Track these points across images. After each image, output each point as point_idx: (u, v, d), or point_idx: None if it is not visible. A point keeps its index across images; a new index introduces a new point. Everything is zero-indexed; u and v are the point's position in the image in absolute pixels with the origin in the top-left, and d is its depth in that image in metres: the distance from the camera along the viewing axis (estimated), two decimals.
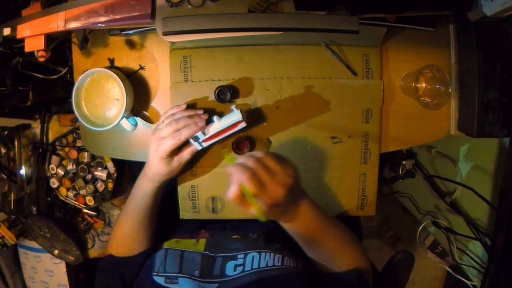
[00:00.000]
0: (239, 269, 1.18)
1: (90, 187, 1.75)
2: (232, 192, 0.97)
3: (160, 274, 1.20)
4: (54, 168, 1.76)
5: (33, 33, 1.22)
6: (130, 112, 1.35)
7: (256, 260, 1.18)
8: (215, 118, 1.21)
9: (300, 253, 1.25)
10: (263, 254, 1.20)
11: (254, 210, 0.99)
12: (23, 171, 1.74)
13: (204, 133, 1.22)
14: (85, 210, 1.88)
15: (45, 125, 1.78)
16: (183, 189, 1.40)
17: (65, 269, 2.01)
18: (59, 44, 1.38)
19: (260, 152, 1.04)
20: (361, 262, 1.26)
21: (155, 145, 1.22)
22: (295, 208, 1.12)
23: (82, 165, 1.75)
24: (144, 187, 1.30)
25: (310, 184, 1.38)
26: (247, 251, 1.21)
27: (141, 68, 1.37)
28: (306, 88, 1.32)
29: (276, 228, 1.22)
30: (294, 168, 1.05)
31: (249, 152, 1.07)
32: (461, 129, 1.34)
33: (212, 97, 1.31)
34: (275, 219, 1.12)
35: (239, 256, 1.21)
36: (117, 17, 1.18)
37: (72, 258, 1.92)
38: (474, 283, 1.60)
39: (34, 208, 1.81)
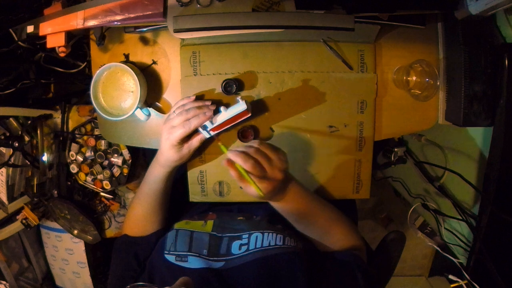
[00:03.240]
0: (244, 248, 1.19)
1: (107, 172, 1.77)
2: (233, 175, 1.08)
3: (171, 252, 1.21)
4: (73, 154, 1.77)
5: (54, 31, 1.22)
6: (144, 103, 1.36)
7: (260, 239, 1.20)
8: (222, 108, 1.23)
9: (300, 234, 1.27)
10: (266, 234, 1.21)
11: (253, 189, 1.08)
12: (45, 158, 1.75)
13: (212, 122, 1.23)
14: (102, 194, 1.90)
15: (65, 115, 1.79)
16: (192, 174, 1.42)
17: (83, 248, 2.03)
18: (78, 40, 1.39)
19: (256, 142, 1.12)
20: (353, 239, 1.28)
21: (167, 134, 1.23)
22: (284, 189, 1.18)
23: (100, 152, 1.76)
24: (157, 172, 1.31)
25: (309, 170, 1.39)
26: (251, 232, 1.23)
27: (154, 62, 1.38)
28: (305, 81, 1.33)
29: (277, 211, 1.24)
30: (284, 155, 1.14)
31: (247, 143, 1.12)
32: (448, 119, 1.35)
33: (219, 90, 1.32)
34: (269, 199, 1.19)
35: (244, 236, 1.22)
36: (132, 15, 1.19)
37: (90, 238, 1.94)
38: (460, 261, 1.61)
39: (55, 192, 1.82)
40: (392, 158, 1.80)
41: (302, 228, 1.28)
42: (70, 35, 1.27)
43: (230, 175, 1.10)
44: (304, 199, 1.24)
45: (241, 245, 1.21)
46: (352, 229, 1.31)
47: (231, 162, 1.10)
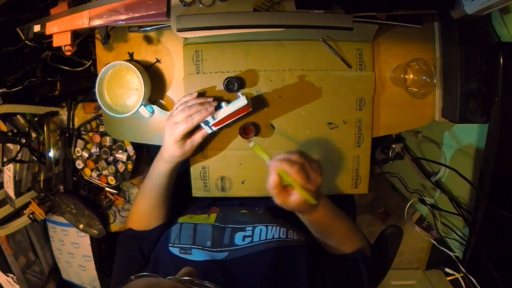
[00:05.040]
0: (248, 239, 1.20)
1: (112, 168, 1.77)
2: (272, 181, 1.02)
3: (175, 245, 1.22)
4: (79, 151, 1.78)
5: (60, 30, 1.23)
6: (148, 100, 1.36)
7: (264, 232, 1.21)
8: (223, 104, 1.23)
9: (302, 228, 1.28)
10: (269, 227, 1.22)
11: (301, 197, 1.03)
12: (51, 154, 1.76)
13: (213, 118, 1.24)
14: (107, 189, 1.90)
15: (71, 112, 1.79)
16: (195, 170, 1.42)
17: (89, 242, 2.04)
18: (84, 39, 1.39)
19: (295, 150, 1.07)
20: (361, 244, 1.29)
21: (170, 130, 1.23)
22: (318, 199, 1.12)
23: (105, 148, 1.76)
24: (160, 168, 1.31)
25: None
26: (255, 224, 1.24)
27: (158, 61, 1.38)
28: (305, 79, 1.33)
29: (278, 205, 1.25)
30: (319, 161, 1.09)
31: (286, 152, 1.08)
32: (445, 116, 1.35)
33: (221, 87, 1.32)
34: (308, 208, 1.12)
35: (247, 228, 1.23)
36: (136, 15, 1.19)
37: (96, 232, 1.95)
38: (456, 254, 1.61)
39: (62, 187, 1.82)
40: (390, 154, 1.81)
41: (322, 238, 1.28)
42: (76, 34, 1.28)
43: (267, 183, 1.03)
44: (331, 211, 1.22)
45: (244, 237, 1.22)
46: (361, 236, 1.33)
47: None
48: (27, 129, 1.65)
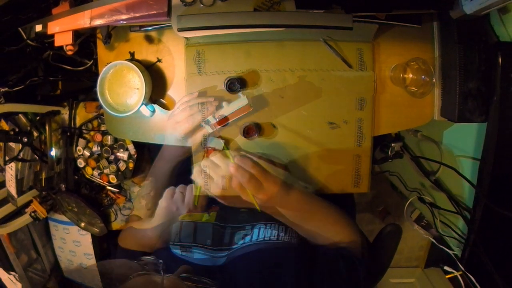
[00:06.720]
0: (247, 238, 1.21)
1: (113, 167, 1.77)
2: (233, 183, 1.11)
3: (176, 243, 1.23)
4: (81, 149, 1.78)
5: (62, 29, 1.23)
6: (149, 100, 1.36)
7: (262, 231, 1.21)
8: (224, 103, 1.24)
9: None
10: (268, 225, 1.22)
11: (252, 202, 1.13)
12: (53, 153, 1.75)
13: (214, 117, 1.24)
14: (108, 187, 1.90)
15: (73, 111, 1.79)
16: (196, 169, 1.42)
17: (90, 240, 2.03)
18: (85, 39, 1.40)
19: (255, 155, 1.13)
20: (349, 232, 1.29)
21: (171, 129, 1.24)
22: (285, 195, 1.18)
23: (106, 147, 1.76)
24: (162, 167, 1.32)
25: (310, 165, 1.40)
26: (255, 223, 1.24)
27: (159, 60, 1.38)
28: (306, 79, 1.33)
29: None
30: (282, 166, 1.17)
31: (246, 155, 1.12)
32: (444, 115, 1.35)
33: (222, 88, 1.32)
34: (267, 206, 1.19)
35: (247, 227, 1.24)
36: (137, 15, 1.20)
37: (97, 230, 1.95)
38: (455, 252, 1.61)
39: (63, 186, 1.82)
40: (389, 153, 1.81)
41: (301, 226, 1.28)
42: (78, 34, 1.28)
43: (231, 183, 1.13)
44: (303, 204, 1.25)
45: (244, 235, 1.22)
46: (349, 223, 1.32)
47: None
48: (29, 128, 1.65)
